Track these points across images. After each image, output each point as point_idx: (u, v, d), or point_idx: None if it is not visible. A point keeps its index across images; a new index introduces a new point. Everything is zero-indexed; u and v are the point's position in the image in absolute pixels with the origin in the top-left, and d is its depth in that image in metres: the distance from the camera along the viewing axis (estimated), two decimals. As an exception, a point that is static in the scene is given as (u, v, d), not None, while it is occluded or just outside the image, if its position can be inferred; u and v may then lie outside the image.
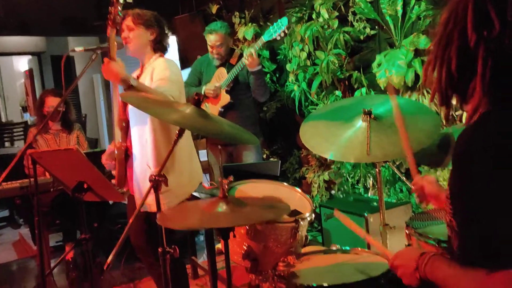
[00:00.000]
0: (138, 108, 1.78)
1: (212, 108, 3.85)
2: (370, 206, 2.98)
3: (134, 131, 2.39)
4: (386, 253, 1.47)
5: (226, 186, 1.47)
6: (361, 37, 3.51)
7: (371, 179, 3.50)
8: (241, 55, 3.79)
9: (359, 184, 3.60)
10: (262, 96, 3.80)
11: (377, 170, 2.31)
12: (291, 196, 2.04)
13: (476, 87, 0.97)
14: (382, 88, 3.16)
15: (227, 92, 3.78)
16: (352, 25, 3.55)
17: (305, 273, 1.62)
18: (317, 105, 3.93)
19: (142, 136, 2.36)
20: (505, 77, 0.97)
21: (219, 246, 3.79)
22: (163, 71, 2.34)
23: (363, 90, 3.43)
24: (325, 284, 1.45)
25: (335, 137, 2.22)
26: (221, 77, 3.82)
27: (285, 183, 2.19)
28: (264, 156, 4.51)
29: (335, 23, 3.60)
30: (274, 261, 1.82)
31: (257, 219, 1.49)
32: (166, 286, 1.68)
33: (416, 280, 1.14)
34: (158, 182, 1.59)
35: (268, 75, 4.43)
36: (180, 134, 1.67)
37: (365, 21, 3.46)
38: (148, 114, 2.19)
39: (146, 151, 2.36)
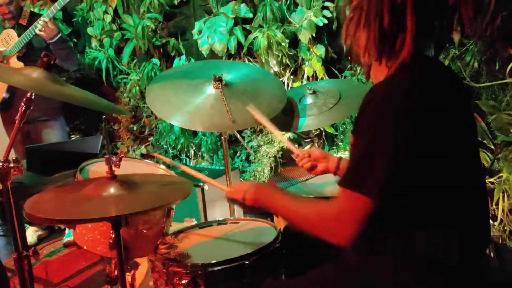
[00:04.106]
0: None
1: None
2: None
3: None
4: (222, 187, 1.58)
5: (117, 162, 1.21)
6: (175, 2, 3.37)
7: (193, 148, 3.46)
8: (32, 15, 3.21)
9: (181, 155, 3.52)
10: (74, 64, 3.32)
11: (222, 138, 2.28)
12: (154, 172, 1.85)
13: (407, 39, 1.02)
14: (205, 55, 3.10)
15: (19, 59, 3.16)
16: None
17: (195, 251, 1.49)
18: (128, 74, 3.64)
19: None
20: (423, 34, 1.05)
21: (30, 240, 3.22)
22: None
23: (183, 58, 3.32)
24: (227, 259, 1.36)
25: (183, 103, 2.09)
26: (8, 40, 3.16)
27: (147, 160, 1.97)
28: (64, 133, 3.97)
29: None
30: (146, 246, 1.63)
31: (164, 202, 1.27)
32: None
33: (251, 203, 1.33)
34: (8, 169, 1.21)
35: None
36: (28, 104, 1.30)
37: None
38: None
39: None
